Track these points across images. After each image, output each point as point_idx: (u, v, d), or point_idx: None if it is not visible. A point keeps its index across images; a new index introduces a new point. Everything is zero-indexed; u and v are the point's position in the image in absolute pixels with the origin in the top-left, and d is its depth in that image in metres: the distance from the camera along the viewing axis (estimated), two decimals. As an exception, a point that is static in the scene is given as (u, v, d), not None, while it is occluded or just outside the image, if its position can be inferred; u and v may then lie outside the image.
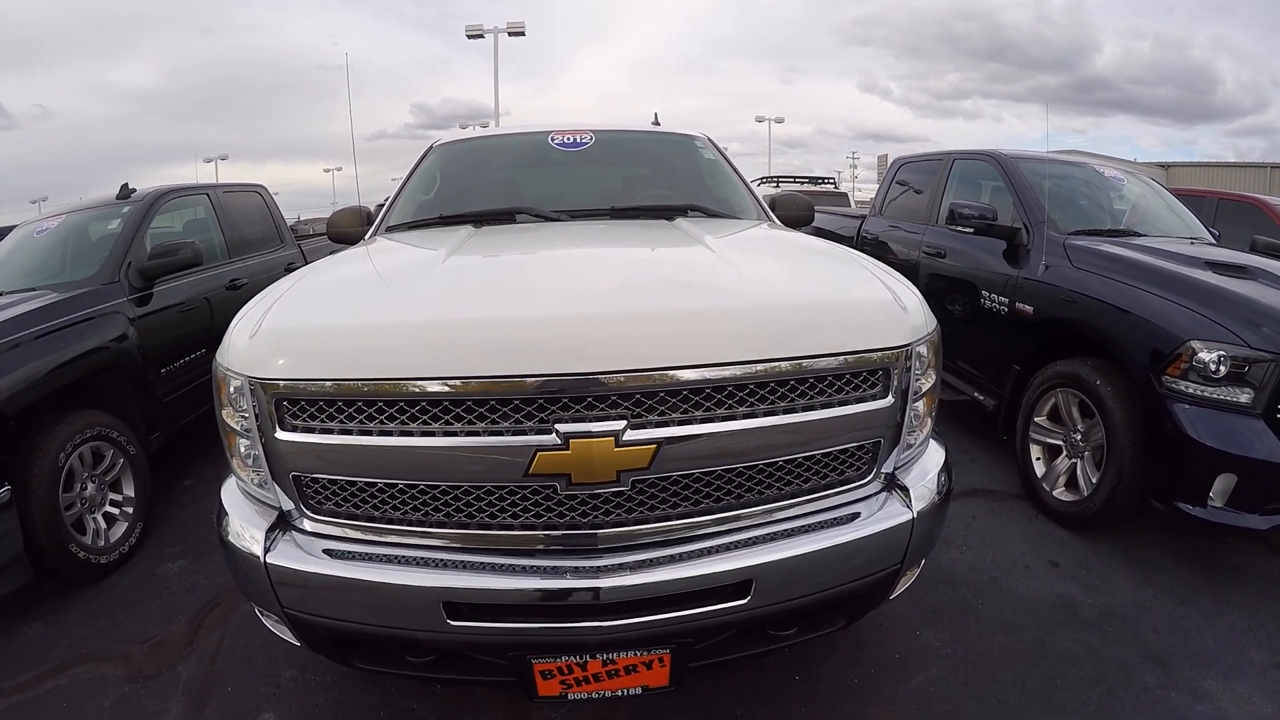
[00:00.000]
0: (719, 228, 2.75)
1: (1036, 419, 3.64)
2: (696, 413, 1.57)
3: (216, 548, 3.25)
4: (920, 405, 1.86)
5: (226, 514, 1.83)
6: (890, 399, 1.74)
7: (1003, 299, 4.00)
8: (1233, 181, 24.86)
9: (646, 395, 1.54)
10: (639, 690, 1.72)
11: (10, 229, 6.94)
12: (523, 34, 24.59)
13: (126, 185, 4.49)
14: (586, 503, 1.59)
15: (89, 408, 3.32)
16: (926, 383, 1.86)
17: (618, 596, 1.57)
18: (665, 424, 1.55)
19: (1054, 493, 3.51)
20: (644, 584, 1.58)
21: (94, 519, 3.27)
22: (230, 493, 1.90)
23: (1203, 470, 2.87)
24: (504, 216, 2.95)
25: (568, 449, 1.51)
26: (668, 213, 2.95)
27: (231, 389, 1.69)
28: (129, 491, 3.45)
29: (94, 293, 3.63)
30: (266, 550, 1.67)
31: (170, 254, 3.91)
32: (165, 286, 4.04)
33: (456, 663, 1.75)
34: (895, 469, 1.86)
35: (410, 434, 1.55)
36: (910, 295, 1.94)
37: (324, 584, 1.63)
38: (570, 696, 1.70)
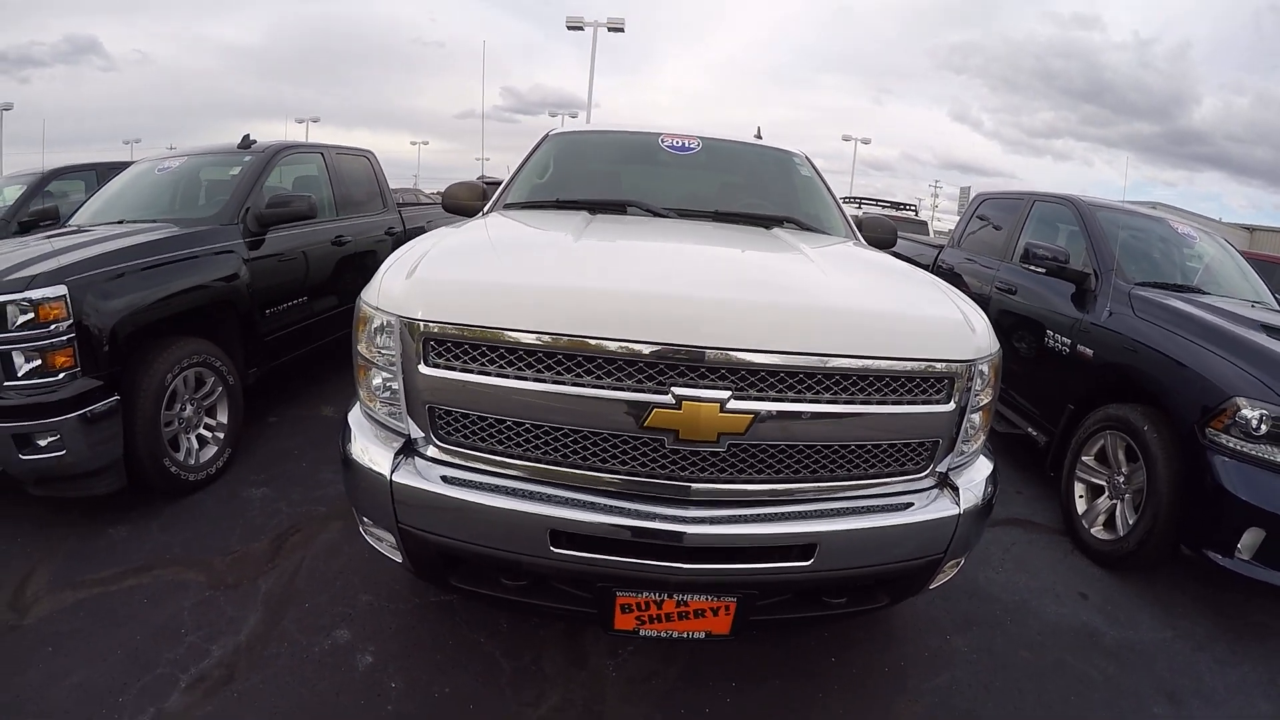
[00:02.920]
0: (812, 240, 2.94)
1: (1084, 458, 3.75)
2: (789, 393, 1.79)
3: (300, 481, 3.57)
4: (976, 417, 2.07)
5: (353, 436, 2.04)
6: (951, 405, 1.95)
7: (1066, 340, 4.11)
8: (1319, 252, 24.08)
9: (750, 372, 1.76)
10: (702, 635, 1.91)
11: (107, 164, 7.38)
12: (622, 30, 24.96)
13: (248, 136, 4.80)
14: (687, 458, 1.81)
15: (198, 336, 3.59)
16: (985, 398, 2.08)
17: (701, 543, 1.78)
18: (763, 399, 1.77)
19: (1092, 530, 3.60)
20: (725, 534, 1.80)
21: (188, 439, 3.54)
22: (356, 419, 2.12)
23: (1234, 522, 2.98)
24: (616, 207, 3.17)
25: (680, 409, 1.73)
26: (765, 222, 3.18)
27: (375, 325, 1.92)
28: (222, 418, 3.73)
29: (213, 231, 3.92)
30: (393, 470, 1.89)
31: (286, 204, 4.20)
32: (277, 234, 4.32)
33: (544, 591, 1.97)
34: (949, 470, 2.07)
35: (545, 381, 1.78)
36: (979, 319, 2.15)
37: (444, 504, 1.85)
38: (642, 632, 1.90)
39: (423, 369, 1.85)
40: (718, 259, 2.47)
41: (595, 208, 3.10)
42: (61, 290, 2.92)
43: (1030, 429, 4.41)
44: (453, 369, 1.83)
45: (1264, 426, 2.95)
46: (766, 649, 2.62)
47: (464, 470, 1.90)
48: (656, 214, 3.10)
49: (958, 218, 6.55)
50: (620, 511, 1.80)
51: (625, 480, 1.84)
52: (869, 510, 1.92)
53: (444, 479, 1.88)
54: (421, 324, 1.83)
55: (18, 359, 2.86)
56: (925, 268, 5.92)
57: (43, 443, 2.88)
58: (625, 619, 1.88)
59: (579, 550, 1.80)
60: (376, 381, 1.98)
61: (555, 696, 2.32)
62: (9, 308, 2.82)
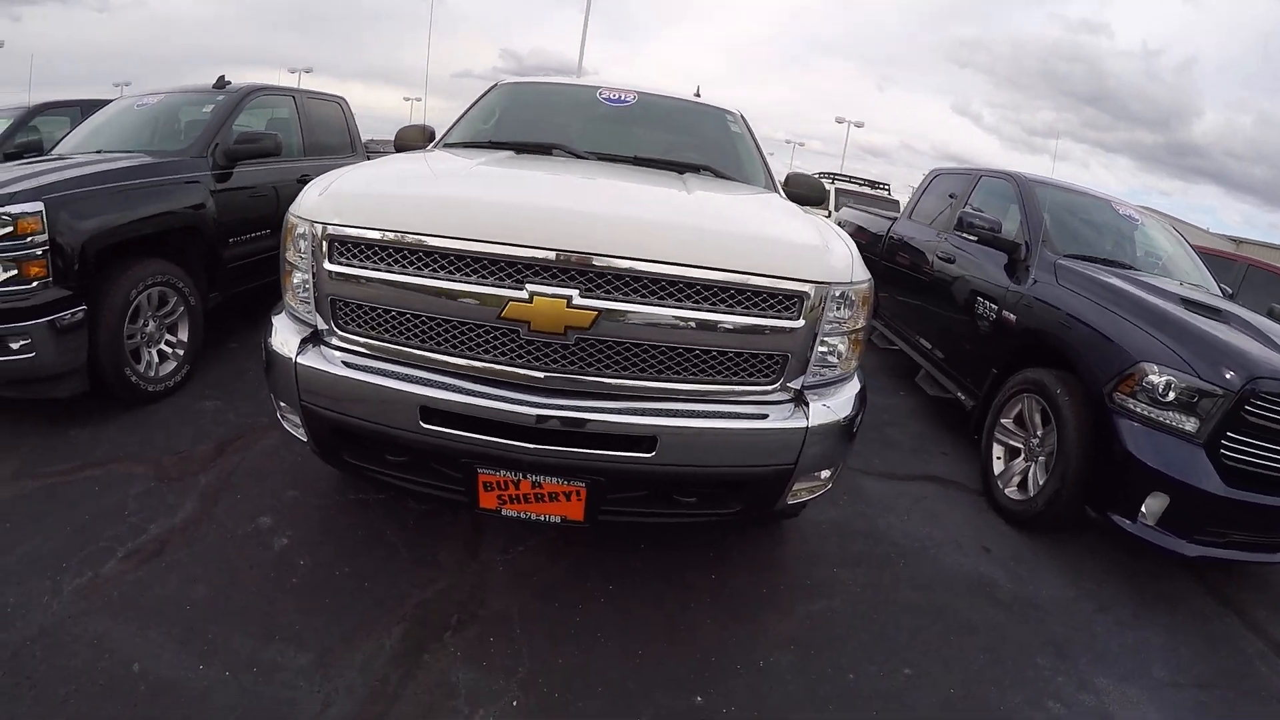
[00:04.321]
0: (718, 186, 3.09)
1: (1003, 420, 3.86)
2: (634, 296, 1.98)
3: (250, 396, 3.80)
4: (836, 341, 2.20)
5: (274, 329, 2.29)
6: (800, 323, 2.09)
7: (993, 306, 4.24)
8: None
9: (598, 275, 1.96)
10: (558, 520, 2.10)
11: (91, 101, 7.57)
12: (619, -7, 25.33)
13: (223, 77, 5.03)
14: (540, 349, 2.00)
15: (163, 258, 3.81)
16: (849, 326, 2.20)
17: (550, 425, 1.97)
18: (608, 299, 1.97)
19: (1005, 490, 3.71)
20: (572, 419, 1.98)
21: (149, 352, 3.76)
22: (279, 317, 2.36)
23: (1138, 485, 3.03)
24: (543, 149, 3.34)
25: (532, 303, 1.93)
26: (680, 168, 3.31)
27: (297, 232, 2.19)
28: (183, 336, 3.95)
29: (183, 163, 4.14)
30: (298, 354, 2.14)
31: (254, 141, 4.42)
32: (244, 169, 4.54)
33: (422, 469, 2.17)
34: (805, 388, 2.21)
35: (422, 275, 2.01)
36: (841, 247, 2.30)
37: (334, 384, 2.10)
38: (504, 511, 2.10)
39: (326, 265, 2.10)
40: (601, 189, 2.65)
41: (523, 148, 3.29)
42: (39, 206, 3.14)
43: (959, 393, 4.54)
44: (350, 265, 2.07)
45: (1171, 393, 3.01)
46: (650, 561, 2.80)
47: (359, 356, 2.13)
48: (579, 157, 3.26)
49: (913, 191, 6.70)
50: (478, 393, 2.00)
51: (487, 367, 2.03)
52: (711, 413, 2.08)
53: (344, 363, 2.11)
54: (326, 226, 2.08)
55: (-4, 268, 3.07)
56: (878, 237, 6.10)
57: (15, 345, 3.09)
58: (488, 497, 2.07)
59: (444, 427, 2.00)
60: (296, 281, 2.23)
61: (444, 582, 2.53)
62: (-10, 221, 3.03)
